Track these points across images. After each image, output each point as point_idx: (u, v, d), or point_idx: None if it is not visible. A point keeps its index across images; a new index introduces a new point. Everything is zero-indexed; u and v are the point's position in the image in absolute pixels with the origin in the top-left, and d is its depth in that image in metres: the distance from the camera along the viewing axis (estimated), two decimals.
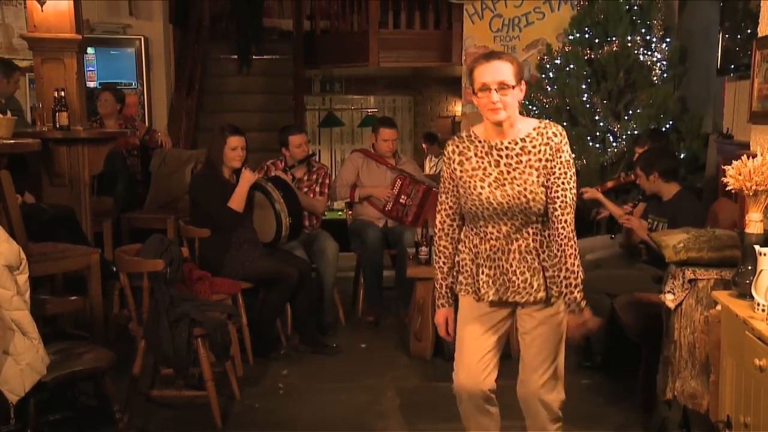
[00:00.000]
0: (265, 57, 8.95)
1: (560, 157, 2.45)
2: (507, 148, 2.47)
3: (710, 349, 2.99)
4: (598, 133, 5.89)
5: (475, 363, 2.52)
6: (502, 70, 2.38)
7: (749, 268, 2.75)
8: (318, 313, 4.92)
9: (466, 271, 2.56)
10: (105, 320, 4.18)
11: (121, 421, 3.23)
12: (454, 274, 2.60)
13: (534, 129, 2.48)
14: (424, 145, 9.39)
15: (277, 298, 4.47)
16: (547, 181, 2.46)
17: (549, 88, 6.05)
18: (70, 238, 4.21)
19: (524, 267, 2.48)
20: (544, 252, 2.50)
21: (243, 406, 3.86)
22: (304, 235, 4.99)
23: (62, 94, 4.55)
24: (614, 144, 5.82)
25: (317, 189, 5.14)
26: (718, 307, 2.91)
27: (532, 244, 2.48)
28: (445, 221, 2.59)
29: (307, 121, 9.93)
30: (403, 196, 5.30)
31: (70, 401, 3.26)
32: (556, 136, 2.47)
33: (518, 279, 2.48)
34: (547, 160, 2.45)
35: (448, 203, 2.57)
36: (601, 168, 5.77)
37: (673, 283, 3.22)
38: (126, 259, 3.62)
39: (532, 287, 2.48)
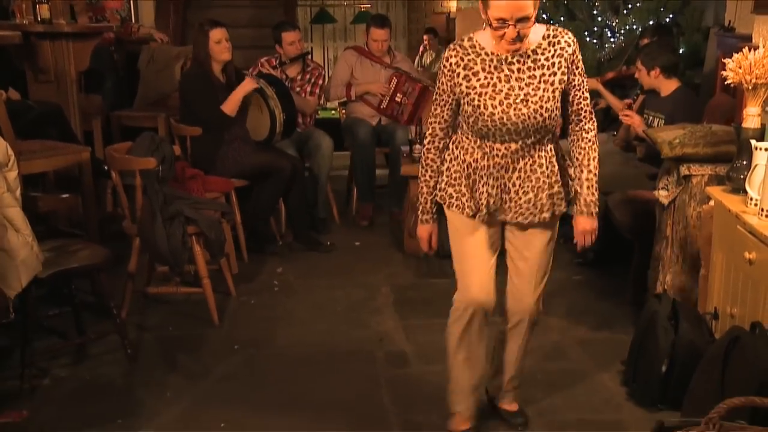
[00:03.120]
0: None
1: (577, 68, 2.33)
2: (518, 62, 2.29)
3: (701, 244, 3.03)
4: (595, 29, 5.76)
5: (486, 274, 2.46)
6: (522, 6, 2.17)
7: (744, 163, 2.76)
8: (312, 210, 4.95)
9: (457, 184, 2.44)
10: (98, 219, 4.19)
11: (119, 317, 3.28)
12: (441, 187, 2.49)
13: (544, 38, 2.31)
14: (425, 37, 9.16)
15: (270, 192, 4.47)
16: (566, 94, 2.35)
17: None
18: (60, 137, 4.16)
19: (528, 186, 2.38)
20: (548, 168, 2.40)
21: (238, 302, 3.92)
22: (297, 135, 4.95)
23: None
24: (612, 39, 5.71)
25: (309, 89, 5.06)
26: (711, 203, 2.93)
27: (538, 161, 2.37)
28: (437, 134, 2.44)
29: (298, 17, 9.65)
30: (398, 95, 5.23)
31: (68, 298, 3.30)
32: (569, 45, 2.30)
33: (521, 199, 2.39)
34: (563, 74, 2.31)
35: (443, 116, 2.42)
36: (597, 64, 5.67)
37: (667, 180, 3.22)
38: (117, 158, 3.59)
39: (536, 207, 2.40)
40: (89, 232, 3.98)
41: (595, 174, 2.43)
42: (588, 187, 2.43)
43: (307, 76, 5.08)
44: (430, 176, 2.49)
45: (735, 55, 2.74)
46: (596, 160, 2.43)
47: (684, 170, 3.15)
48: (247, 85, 4.32)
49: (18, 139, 3.78)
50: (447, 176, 2.46)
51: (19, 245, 2.62)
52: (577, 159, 2.44)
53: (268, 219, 4.63)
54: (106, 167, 4.03)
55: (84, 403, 2.93)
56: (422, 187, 2.51)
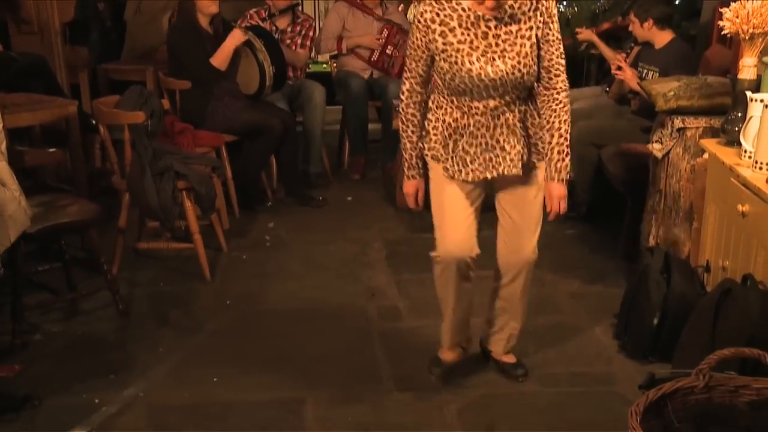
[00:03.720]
0: None
1: (552, 22, 2.29)
2: (495, 17, 2.27)
3: (694, 197, 3.02)
4: None
5: (464, 229, 2.46)
6: None
7: (739, 115, 2.74)
8: (304, 165, 4.91)
9: (439, 144, 2.42)
10: (87, 174, 4.16)
11: (109, 272, 3.27)
12: (423, 143, 2.47)
13: None
14: None
15: (261, 149, 4.43)
16: (539, 50, 2.31)
17: None
18: (45, 90, 4.08)
19: (514, 140, 2.36)
20: (527, 121, 2.38)
21: (230, 257, 3.92)
22: (288, 87, 4.89)
23: None
24: None
25: (299, 41, 4.98)
26: (705, 156, 2.91)
27: (518, 116, 2.36)
28: (414, 89, 2.42)
29: None
30: (389, 47, 5.15)
31: (58, 253, 3.29)
32: None
33: (510, 153, 2.36)
34: (539, 29, 2.28)
35: (418, 71, 2.39)
36: (593, 15, 5.59)
37: (661, 132, 3.20)
38: (105, 111, 3.54)
39: (517, 158, 2.37)
40: (78, 187, 3.94)
41: (566, 138, 2.38)
42: (559, 152, 2.38)
43: (298, 28, 4.99)
44: (412, 131, 2.47)
45: (732, 5, 2.70)
46: (568, 123, 2.38)
47: (678, 123, 3.13)
48: (237, 37, 4.25)
49: (1, 92, 3.72)
50: (429, 134, 2.45)
51: (7, 200, 2.59)
52: (548, 122, 2.38)
53: (259, 175, 4.60)
54: (93, 121, 3.97)
55: (76, 359, 2.94)
56: (405, 143, 2.49)
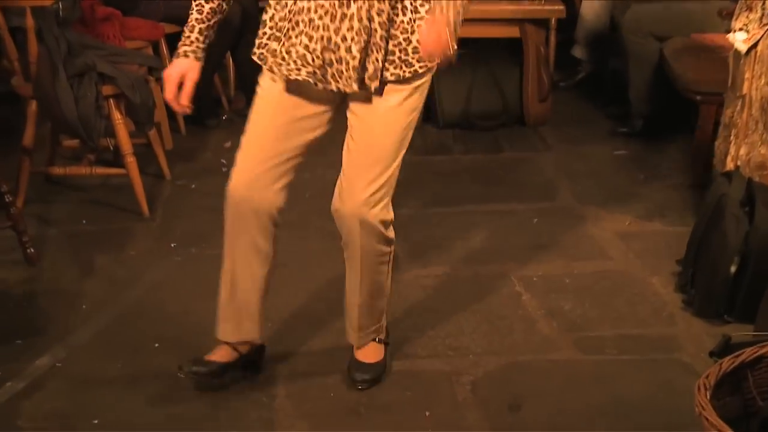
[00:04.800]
0: None
1: None
2: None
3: None
4: None
5: (264, 167, 2.38)
6: None
7: None
8: None
9: (272, 39, 2.32)
10: None
11: (13, 206, 3.22)
12: (264, 43, 2.35)
13: None
14: None
15: (214, 45, 4.34)
16: None
17: None
18: None
19: (363, 41, 2.23)
20: (393, 21, 2.23)
21: (175, 187, 3.91)
22: None
23: None
24: None
25: None
26: None
27: (377, 6, 2.21)
28: None
29: None
30: None
31: None
32: None
33: (349, 60, 2.23)
34: None
35: None
36: None
37: (747, 17, 3.14)
38: None
39: (366, 70, 2.25)
40: None
41: None
42: None
43: None
44: None
45: None
46: None
47: None
48: None
49: None
50: (266, 29, 2.36)
51: None
52: None
53: (211, 79, 4.54)
54: None
55: None
56: (192, 7, 2.40)
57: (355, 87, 2.27)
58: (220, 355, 2.57)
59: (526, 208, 3.69)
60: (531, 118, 4.59)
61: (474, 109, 4.53)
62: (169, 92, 2.36)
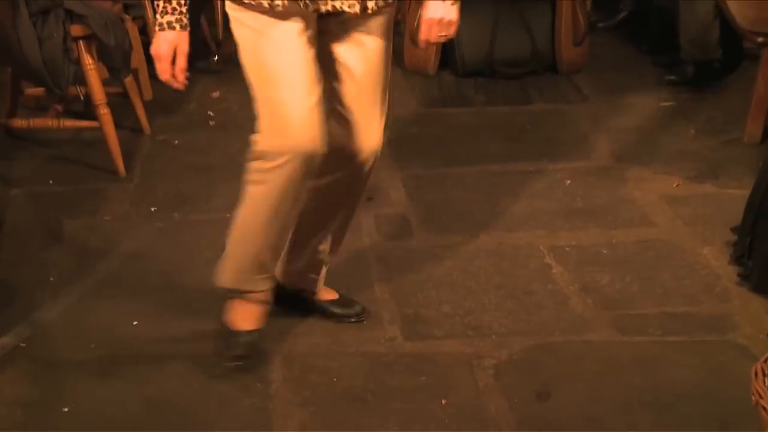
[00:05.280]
0: None
1: None
2: None
3: None
4: None
5: (311, 98, 2.37)
6: None
7: None
8: None
9: None
10: None
11: None
12: None
13: None
14: None
15: None
16: None
17: None
18: None
19: None
20: None
21: (155, 143, 3.93)
22: None
23: None
24: None
25: None
26: None
27: None
28: None
29: None
30: None
31: None
32: None
33: None
34: None
35: None
36: None
37: None
38: None
39: None
40: None
41: None
42: None
43: None
44: None
45: None
46: None
47: None
48: None
49: None
50: None
51: None
52: None
53: (198, 18, 4.54)
54: None
55: None
56: None
57: (354, 9, 2.31)
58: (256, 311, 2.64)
59: (557, 168, 3.69)
60: (564, 64, 4.58)
61: (499, 54, 4.52)
62: (164, 71, 2.36)
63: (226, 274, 2.62)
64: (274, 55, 2.35)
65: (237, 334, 2.63)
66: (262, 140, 2.41)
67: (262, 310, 2.64)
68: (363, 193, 2.71)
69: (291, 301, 2.81)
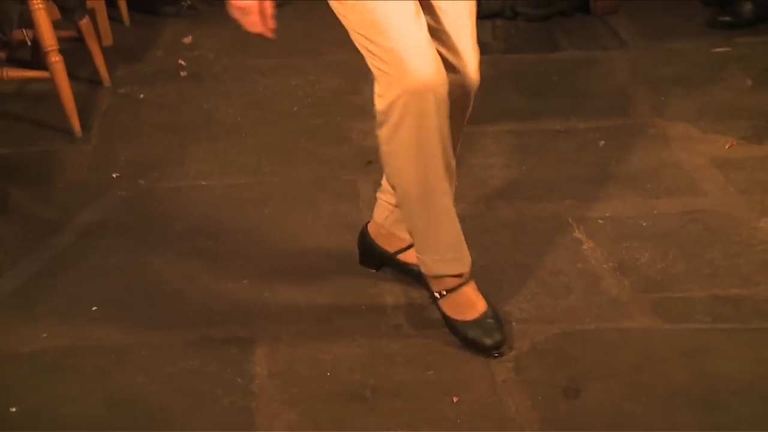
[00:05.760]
0: None
1: None
2: None
3: None
4: None
5: (425, 32, 2.48)
6: None
7: None
8: None
9: None
10: None
11: None
12: None
13: None
14: None
15: None
16: None
17: None
18: None
19: None
20: None
21: (116, 97, 3.94)
22: None
23: None
24: None
25: None
26: None
27: None
28: None
29: None
30: None
31: None
32: None
33: None
34: None
35: None
36: None
37: None
38: None
39: None
40: None
41: None
42: None
43: None
44: None
45: None
46: None
47: None
48: None
49: None
50: None
51: None
52: None
53: None
54: None
55: None
56: None
57: None
58: None
59: (589, 127, 3.68)
60: (598, 3, 4.56)
61: None
62: (256, 23, 2.41)
63: (438, 255, 2.67)
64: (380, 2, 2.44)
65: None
66: (387, 91, 2.49)
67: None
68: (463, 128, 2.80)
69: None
